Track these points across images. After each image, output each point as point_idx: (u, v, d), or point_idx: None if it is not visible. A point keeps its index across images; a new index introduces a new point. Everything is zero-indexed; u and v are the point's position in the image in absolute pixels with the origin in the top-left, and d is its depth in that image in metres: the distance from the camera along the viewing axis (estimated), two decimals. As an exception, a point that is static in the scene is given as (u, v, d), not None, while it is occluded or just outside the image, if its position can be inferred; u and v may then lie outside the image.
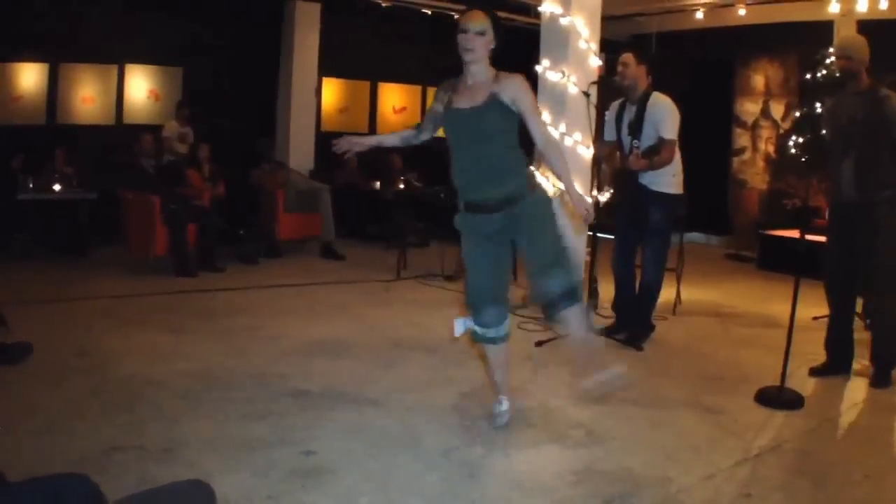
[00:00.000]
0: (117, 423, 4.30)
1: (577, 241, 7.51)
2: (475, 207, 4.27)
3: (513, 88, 4.16)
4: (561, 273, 4.21)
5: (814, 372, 5.76)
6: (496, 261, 4.40)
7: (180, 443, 4.06)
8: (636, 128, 6.17)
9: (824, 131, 6.04)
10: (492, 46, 4.16)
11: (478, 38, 4.11)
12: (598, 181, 6.71)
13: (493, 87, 4.15)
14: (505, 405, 4.60)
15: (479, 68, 4.19)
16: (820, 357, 5.85)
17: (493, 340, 4.48)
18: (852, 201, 5.51)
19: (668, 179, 6.20)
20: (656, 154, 6.04)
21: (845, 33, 5.37)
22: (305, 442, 4.15)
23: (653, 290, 6.47)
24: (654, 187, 6.19)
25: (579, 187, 7.29)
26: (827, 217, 6.54)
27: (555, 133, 7.33)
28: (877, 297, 5.72)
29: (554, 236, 4.30)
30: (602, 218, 6.62)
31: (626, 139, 6.25)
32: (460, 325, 4.50)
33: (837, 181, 5.60)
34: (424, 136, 4.47)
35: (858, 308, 6.32)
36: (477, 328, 4.44)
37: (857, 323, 6.26)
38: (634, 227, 6.35)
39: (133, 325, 6.34)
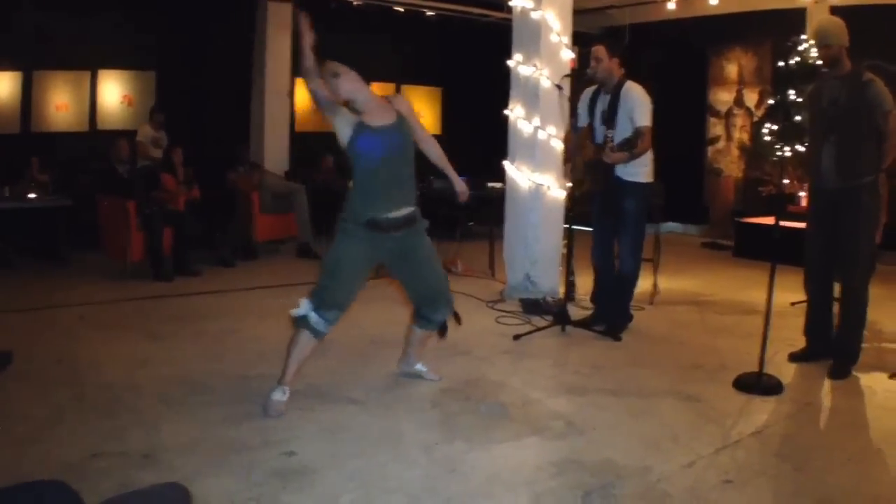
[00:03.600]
0: (98, 429, 4.28)
1: (553, 233, 7.56)
2: (379, 224, 4.60)
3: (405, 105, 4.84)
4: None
5: (793, 357, 5.78)
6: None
7: (161, 447, 4.05)
8: (610, 117, 6.17)
9: (799, 116, 6.04)
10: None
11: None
12: (570, 172, 6.70)
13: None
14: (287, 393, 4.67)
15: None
16: (798, 343, 5.89)
17: (319, 335, 4.65)
18: (833, 186, 5.43)
19: (641, 169, 6.22)
20: (633, 145, 6.01)
21: (821, 21, 5.32)
22: (286, 443, 4.14)
23: (630, 280, 6.49)
24: (627, 177, 6.19)
25: (554, 180, 7.36)
26: (806, 202, 6.49)
27: (528, 127, 7.36)
28: (852, 283, 5.58)
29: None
30: (576, 209, 6.64)
31: (600, 128, 6.26)
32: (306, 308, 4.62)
33: (817, 166, 5.52)
34: (312, 85, 4.80)
35: (836, 293, 6.31)
36: (321, 322, 4.60)
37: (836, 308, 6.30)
38: (609, 217, 6.37)
39: (112, 332, 6.31)
